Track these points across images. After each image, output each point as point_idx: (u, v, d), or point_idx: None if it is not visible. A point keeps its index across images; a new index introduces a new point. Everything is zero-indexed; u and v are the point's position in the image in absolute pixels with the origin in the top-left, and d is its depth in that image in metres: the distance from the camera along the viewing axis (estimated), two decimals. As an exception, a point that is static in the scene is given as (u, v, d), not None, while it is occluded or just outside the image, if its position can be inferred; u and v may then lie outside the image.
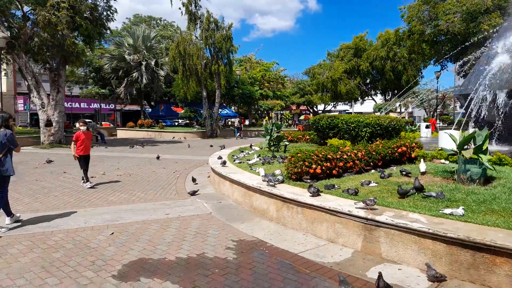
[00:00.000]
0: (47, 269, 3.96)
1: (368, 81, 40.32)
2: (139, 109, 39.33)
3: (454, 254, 3.62)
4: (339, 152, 6.68)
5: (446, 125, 30.54)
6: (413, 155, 7.95)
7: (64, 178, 9.87)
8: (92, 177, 9.81)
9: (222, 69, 26.33)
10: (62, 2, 16.04)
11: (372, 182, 5.79)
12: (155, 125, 32.79)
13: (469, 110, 9.32)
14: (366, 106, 48.19)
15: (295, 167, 6.13)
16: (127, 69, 33.14)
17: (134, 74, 32.64)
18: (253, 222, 5.75)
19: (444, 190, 5.00)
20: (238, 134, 29.25)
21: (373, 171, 7.07)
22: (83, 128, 8.71)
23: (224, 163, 8.38)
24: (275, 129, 10.80)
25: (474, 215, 4.03)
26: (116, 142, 23.91)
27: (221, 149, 12.86)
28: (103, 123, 39.13)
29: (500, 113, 8.86)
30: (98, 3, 18.82)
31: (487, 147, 5.49)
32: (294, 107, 56.51)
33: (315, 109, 54.89)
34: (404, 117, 28.19)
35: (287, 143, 10.74)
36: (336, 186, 5.59)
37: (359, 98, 42.97)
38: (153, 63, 33.43)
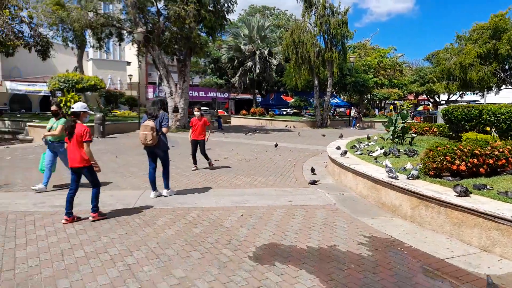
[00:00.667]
0: (190, 243, 4.28)
1: (507, 66, 34.46)
2: (251, 98, 40.98)
3: None
4: (489, 148, 5.73)
5: None
6: None
7: (191, 160, 10.76)
8: (216, 160, 10.48)
9: (335, 56, 25.54)
10: (190, -3, 17.41)
11: (536, 185, 4.82)
12: (266, 114, 33.75)
13: None
14: (502, 96, 41.36)
15: (433, 162, 5.47)
16: (242, 59, 34.67)
17: (248, 64, 33.98)
18: (383, 218, 5.34)
19: None
20: (358, 124, 28.02)
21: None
22: (196, 113, 8.92)
23: (344, 153, 8.04)
24: (400, 120, 9.94)
25: None
26: (231, 128, 25.33)
27: (340, 138, 12.44)
28: (218, 110, 41.94)
29: None
30: (220, -5, 19.93)
31: None
32: (411, 97, 51.96)
33: (437, 99, 49.52)
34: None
35: (414, 135, 9.80)
36: (488, 187, 4.80)
37: (494, 87, 37.08)
38: (266, 52, 34.28)
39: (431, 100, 50.66)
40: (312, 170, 8.87)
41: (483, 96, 43.91)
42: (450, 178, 5.38)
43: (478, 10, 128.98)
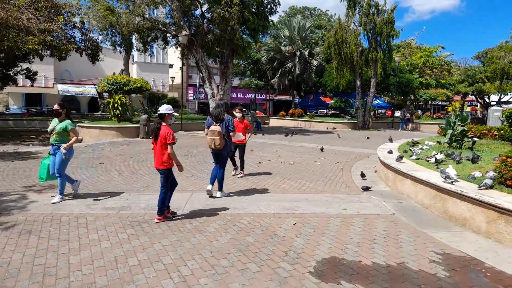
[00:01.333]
0: (244, 253, 4.05)
1: None
2: (289, 99, 40.50)
3: None
4: None
5: None
6: None
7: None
8: (260, 162, 10.29)
9: (380, 56, 24.56)
10: (234, -1, 17.38)
11: None
12: (305, 115, 33.17)
13: None
14: None
15: None
16: (282, 60, 34.33)
17: (288, 65, 33.59)
18: (452, 231, 4.84)
19: None
20: (410, 125, 26.69)
21: None
22: (238, 115, 8.27)
23: (400, 158, 7.50)
24: (459, 123, 9.20)
25: None
26: (270, 130, 25.07)
27: (390, 141, 11.80)
28: (256, 111, 41.86)
29: None
30: (264, -4, 19.75)
31: None
32: (458, 98, 49.16)
33: (486, 100, 46.48)
34: None
35: (475, 139, 9.03)
36: None
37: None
38: (306, 53, 33.74)
39: (480, 100, 47.64)
40: (363, 175, 8.40)
41: (541, 97, 40.68)
42: (532, 189, 4.78)
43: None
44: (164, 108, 5.11)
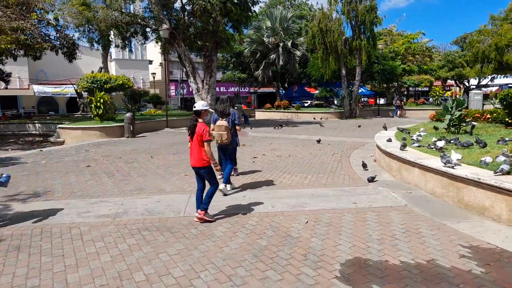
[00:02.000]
0: (260, 259, 3.71)
1: (547, 46, 32.27)
2: (273, 91, 40.14)
3: None
4: None
5: None
6: None
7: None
8: (255, 157, 9.95)
9: (364, 44, 24.43)
10: (215, -10, 16.82)
11: None
12: (291, 106, 32.91)
13: None
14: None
15: (529, 155, 4.70)
16: (265, 52, 33.88)
17: (271, 56, 33.17)
18: (471, 221, 4.62)
19: None
20: (400, 112, 26.65)
21: None
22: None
23: (404, 146, 7.28)
24: (456, 108, 9.07)
25: None
26: (258, 123, 24.67)
27: (384, 129, 11.63)
28: (242, 105, 41.34)
29: None
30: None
31: None
32: (438, 83, 49.83)
33: (466, 84, 47.27)
34: None
35: (474, 123, 8.92)
36: None
37: (532, 69, 34.92)
38: (289, 44, 33.37)
39: (460, 85, 48.41)
40: (364, 165, 8.16)
41: (520, 78, 41.62)
42: (551, 173, 4.61)
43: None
44: (200, 105, 4.99)
